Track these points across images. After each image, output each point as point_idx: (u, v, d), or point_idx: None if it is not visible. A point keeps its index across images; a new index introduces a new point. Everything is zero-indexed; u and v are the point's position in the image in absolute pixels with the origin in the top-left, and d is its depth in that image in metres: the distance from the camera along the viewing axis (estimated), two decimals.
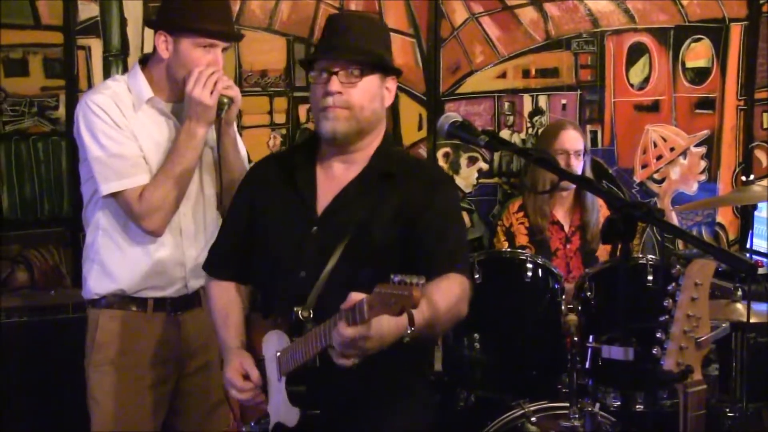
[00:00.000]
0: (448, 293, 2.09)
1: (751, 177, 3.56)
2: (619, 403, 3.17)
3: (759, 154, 4.72)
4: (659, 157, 4.57)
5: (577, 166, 3.84)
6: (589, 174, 3.99)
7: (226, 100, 2.70)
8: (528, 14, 4.27)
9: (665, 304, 2.00)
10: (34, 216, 3.65)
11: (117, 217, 2.75)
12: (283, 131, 3.97)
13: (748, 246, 4.32)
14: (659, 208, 2.00)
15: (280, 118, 3.97)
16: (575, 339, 3.09)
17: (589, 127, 4.37)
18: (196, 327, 2.87)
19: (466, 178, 4.26)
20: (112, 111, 2.68)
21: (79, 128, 2.70)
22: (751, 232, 4.28)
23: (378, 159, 2.32)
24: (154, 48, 2.73)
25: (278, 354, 2.25)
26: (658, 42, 4.47)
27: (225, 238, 2.52)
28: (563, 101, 4.38)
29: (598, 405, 3.03)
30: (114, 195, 2.69)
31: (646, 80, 4.49)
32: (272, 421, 2.31)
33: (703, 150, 4.63)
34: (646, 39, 4.46)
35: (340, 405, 2.22)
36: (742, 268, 1.96)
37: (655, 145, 4.55)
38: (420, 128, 4.15)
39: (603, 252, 3.85)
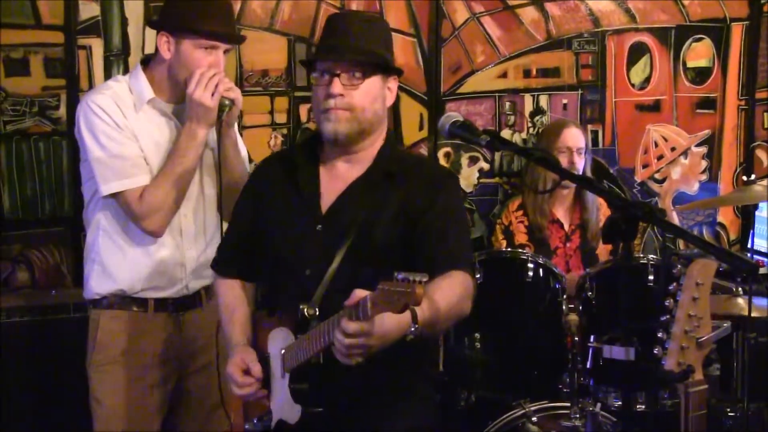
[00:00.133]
0: (449, 291, 2.09)
1: (752, 177, 3.56)
2: (620, 403, 3.16)
3: (760, 153, 4.72)
4: (660, 157, 4.57)
5: (580, 163, 3.85)
6: (589, 173, 3.99)
7: (227, 102, 2.70)
8: (529, 14, 4.27)
9: (666, 303, 2.00)
10: (35, 216, 3.65)
11: (117, 217, 2.75)
12: (284, 131, 3.97)
13: (749, 246, 4.31)
14: (660, 208, 2.00)
15: (281, 117, 3.96)
16: (576, 339, 3.09)
17: (590, 127, 4.37)
18: (196, 327, 2.87)
19: (467, 177, 4.26)
20: (113, 111, 2.68)
21: (80, 128, 2.70)
22: (752, 231, 4.27)
23: (382, 158, 2.33)
24: (156, 49, 2.73)
25: (282, 351, 2.26)
26: (659, 42, 4.47)
27: (231, 237, 2.53)
28: (564, 101, 4.38)
29: (599, 405, 3.02)
30: (114, 195, 2.69)
31: (647, 80, 4.49)
32: (275, 418, 2.31)
33: (704, 150, 4.63)
34: (647, 39, 4.46)
35: (342, 403, 2.22)
36: (743, 268, 1.96)
37: (656, 145, 4.55)
38: (421, 128, 4.15)
39: (603, 251, 3.85)
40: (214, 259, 2.58)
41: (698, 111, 4.59)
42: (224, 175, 2.75)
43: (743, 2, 4.58)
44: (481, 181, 4.29)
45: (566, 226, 3.90)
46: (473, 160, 4.28)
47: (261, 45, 3.87)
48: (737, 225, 4.74)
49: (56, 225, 3.67)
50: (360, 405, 2.25)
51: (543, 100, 4.34)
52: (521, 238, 3.86)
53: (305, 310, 2.17)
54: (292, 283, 2.30)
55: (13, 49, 3.54)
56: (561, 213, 3.92)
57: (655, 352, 2.01)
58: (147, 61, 2.81)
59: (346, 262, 2.20)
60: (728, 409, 3.37)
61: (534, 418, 3.06)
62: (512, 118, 4.32)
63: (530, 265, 3.27)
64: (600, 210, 3.90)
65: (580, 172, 3.86)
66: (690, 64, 4.54)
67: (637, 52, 4.45)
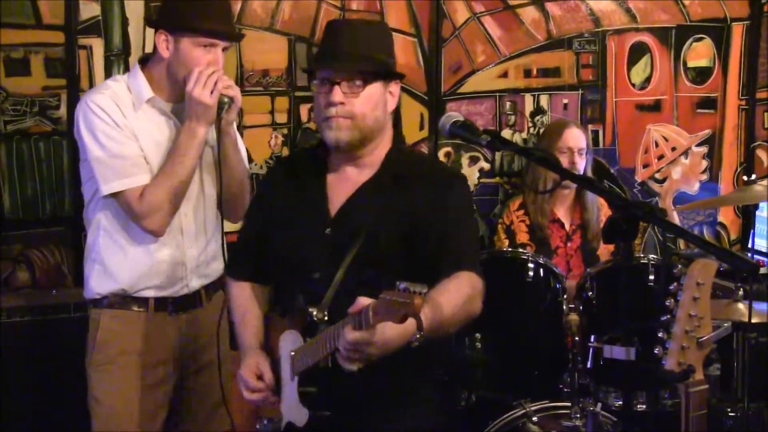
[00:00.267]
0: (456, 293, 2.10)
1: (753, 177, 3.56)
2: (620, 402, 3.16)
3: (760, 153, 4.72)
4: (661, 157, 4.57)
5: (581, 163, 3.86)
6: (590, 173, 3.99)
7: (226, 100, 2.69)
8: (529, 14, 4.27)
9: (667, 303, 2.00)
10: (36, 216, 3.64)
11: (118, 217, 2.75)
12: (285, 131, 3.97)
13: (749, 246, 4.32)
14: (661, 208, 1.99)
15: (281, 117, 3.96)
16: (577, 338, 3.09)
17: (590, 127, 4.37)
18: (197, 327, 2.87)
19: (468, 177, 4.26)
20: (112, 111, 2.68)
21: (80, 128, 2.70)
22: (752, 231, 4.28)
23: (390, 161, 2.33)
24: (155, 47, 2.73)
25: (292, 354, 2.26)
26: (659, 41, 4.47)
27: (243, 240, 2.56)
28: (565, 101, 4.38)
29: (599, 405, 3.02)
30: (114, 195, 2.69)
31: (648, 80, 4.49)
32: (284, 419, 2.32)
33: (704, 150, 4.63)
34: (647, 38, 4.46)
35: (349, 407, 2.22)
36: (743, 268, 1.95)
37: (657, 145, 4.55)
38: (421, 128, 4.15)
39: (604, 251, 3.85)
40: (227, 261, 2.61)
41: (699, 111, 4.59)
42: (224, 174, 2.75)
43: (744, 2, 4.58)
44: (481, 180, 4.29)
45: (567, 226, 3.90)
46: (474, 160, 4.28)
47: (261, 45, 3.87)
48: (738, 225, 4.74)
49: (57, 225, 3.67)
50: (367, 409, 2.25)
51: (543, 100, 4.34)
52: (522, 237, 3.86)
53: (314, 313, 2.18)
54: (302, 285, 2.31)
55: (14, 48, 3.54)
56: (562, 212, 3.92)
57: (655, 351, 2.01)
58: (145, 61, 2.80)
59: (355, 265, 2.20)
60: (728, 409, 3.37)
61: (534, 418, 3.06)
62: (513, 117, 4.32)
63: (531, 265, 3.27)
64: (601, 210, 3.90)
65: (581, 172, 3.86)
66: (690, 63, 4.54)
67: (638, 51, 4.45)
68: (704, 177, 4.65)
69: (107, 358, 2.78)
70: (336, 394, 2.18)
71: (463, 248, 2.24)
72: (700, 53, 4.55)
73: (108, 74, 3.61)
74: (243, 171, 2.86)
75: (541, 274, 3.27)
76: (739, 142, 4.68)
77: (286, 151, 3.96)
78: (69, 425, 3.26)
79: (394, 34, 2.44)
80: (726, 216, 4.73)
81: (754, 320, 3.09)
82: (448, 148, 4.21)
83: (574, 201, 3.94)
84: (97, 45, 3.64)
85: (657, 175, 4.58)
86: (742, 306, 3.06)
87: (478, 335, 3.20)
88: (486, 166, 4.30)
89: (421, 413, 2.32)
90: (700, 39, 4.54)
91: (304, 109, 3.98)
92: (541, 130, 4.24)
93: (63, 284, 3.66)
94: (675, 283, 2.00)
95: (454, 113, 2.25)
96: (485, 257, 3.32)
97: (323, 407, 2.21)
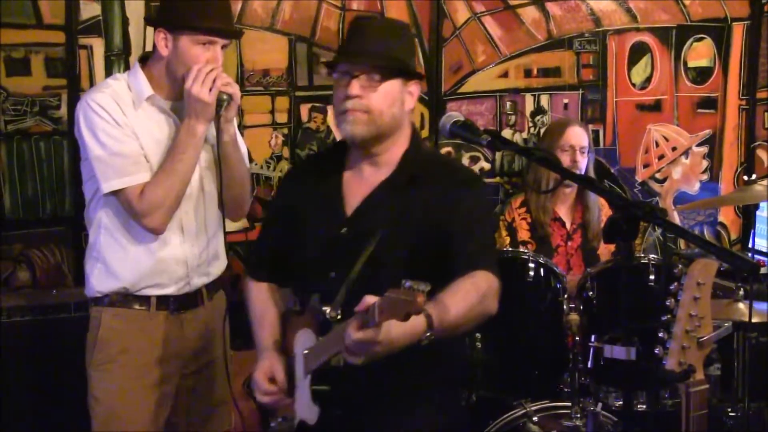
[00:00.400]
0: (469, 292, 2.11)
1: (753, 176, 3.56)
2: (620, 402, 3.16)
3: (761, 153, 4.72)
4: (661, 157, 4.57)
5: (583, 162, 3.86)
6: (591, 173, 3.99)
7: (225, 97, 2.70)
8: (530, 14, 4.27)
9: (667, 303, 2.00)
10: (36, 215, 3.64)
11: (119, 215, 2.75)
12: (285, 131, 3.97)
13: (749, 245, 4.32)
14: (661, 208, 1.99)
15: (281, 117, 3.96)
16: (577, 338, 3.09)
17: (591, 127, 4.36)
18: (198, 325, 2.87)
19: None
20: (113, 109, 2.68)
21: (80, 127, 2.70)
22: (752, 231, 4.28)
23: (407, 161, 2.34)
24: (154, 46, 2.73)
25: (305, 352, 2.27)
26: (660, 41, 4.47)
27: (262, 241, 2.60)
28: (565, 101, 4.38)
29: (599, 404, 3.02)
30: (115, 193, 2.69)
31: (648, 80, 4.49)
32: (297, 418, 2.33)
33: (704, 149, 4.63)
34: (648, 38, 4.46)
35: (361, 406, 2.23)
36: (744, 268, 1.95)
37: (657, 145, 4.55)
38: (422, 128, 4.15)
39: (604, 250, 3.85)
40: (247, 262, 2.63)
41: (699, 111, 4.59)
42: (224, 171, 2.76)
43: (744, 2, 4.58)
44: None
45: (568, 225, 3.90)
46: (474, 160, 4.28)
47: (262, 45, 3.87)
48: (738, 225, 4.74)
49: (57, 225, 3.67)
50: (378, 408, 2.26)
51: (544, 100, 4.34)
52: (524, 235, 3.86)
53: (327, 312, 2.18)
54: (318, 285, 2.32)
55: (14, 48, 3.54)
56: (563, 211, 3.92)
57: (656, 351, 2.01)
58: (145, 59, 2.81)
59: (369, 265, 2.20)
60: (729, 409, 3.37)
61: (535, 418, 3.06)
62: (513, 117, 4.32)
63: (531, 265, 3.27)
64: (602, 210, 3.90)
65: (583, 171, 3.86)
66: (691, 63, 4.54)
67: (638, 51, 4.45)
68: (704, 177, 4.64)
69: (108, 357, 2.78)
70: (347, 392, 2.19)
71: (479, 248, 2.25)
72: (700, 53, 4.55)
73: (108, 74, 3.61)
74: (243, 170, 2.87)
75: (542, 274, 3.27)
76: (739, 142, 4.68)
77: (286, 151, 3.96)
78: (69, 425, 3.26)
79: None
80: (726, 216, 4.73)
81: (754, 320, 3.09)
82: (449, 148, 4.21)
83: (575, 200, 3.93)
84: (98, 45, 3.64)
85: (657, 175, 4.58)
86: (742, 306, 3.06)
87: (478, 335, 3.20)
88: (486, 166, 4.30)
89: (433, 413, 2.33)
90: (701, 39, 4.54)
91: (304, 109, 3.98)
92: (542, 130, 4.25)
93: (63, 284, 3.66)
94: (675, 283, 2.00)
95: (454, 113, 2.26)
96: None
97: (334, 405, 2.21)
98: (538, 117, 4.34)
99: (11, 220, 3.60)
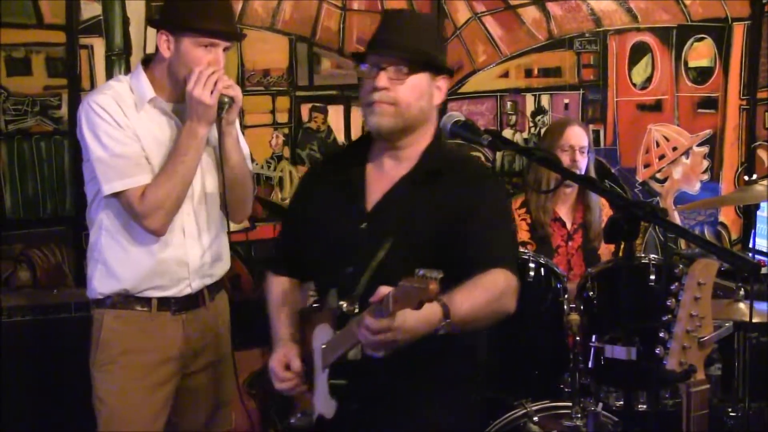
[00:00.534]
0: (489, 288, 2.13)
1: (754, 176, 3.56)
2: (621, 402, 3.16)
3: (761, 153, 4.72)
4: (662, 157, 4.57)
5: (582, 162, 3.85)
6: (592, 173, 3.99)
7: (226, 100, 2.70)
8: (530, 14, 4.27)
9: (668, 303, 2.00)
10: (37, 215, 3.64)
11: (120, 217, 2.75)
12: (286, 130, 3.97)
13: (750, 245, 4.32)
14: (662, 208, 1.99)
15: (282, 117, 3.96)
16: (578, 338, 3.09)
17: (591, 127, 4.36)
18: (200, 326, 2.87)
19: None
20: (114, 111, 2.68)
21: (82, 129, 2.70)
22: (753, 231, 4.28)
23: (428, 157, 2.35)
24: (157, 48, 2.73)
25: (323, 346, 2.28)
26: (660, 41, 4.47)
27: (283, 236, 2.65)
28: (566, 101, 4.38)
29: (600, 405, 3.03)
30: (116, 195, 2.69)
31: (649, 80, 4.49)
32: (316, 412, 2.34)
33: (705, 149, 4.63)
34: (648, 38, 4.46)
35: (378, 400, 2.24)
36: (744, 268, 1.96)
37: (658, 145, 4.55)
38: None
39: (605, 250, 3.84)
40: (270, 258, 2.69)
41: (700, 111, 4.59)
42: (226, 173, 2.76)
43: (745, 2, 4.58)
44: None
45: (568, 225, 3.90)
46: None
47: (262, 45, 3.87)
48: (739, 225, 4.73)
49: (58, 224, 3.67)
50: (396, 403, 2.27)
51: (544, 100, 4.34)
52: (523, 235, 3.86)
53: (344, 306, 2.18)
54: (337, 279, 2.32)
55: (15, 48, 3.54)
56: (564, 211, 3.92)
57: (656, 351, 2.01)
58: (148, 61, 2.81)
59: (388, 261, 2.20)
60: (730, 409, 3.37)
61: (535, 418, 3.06)
62: (514, 117, 4.32)
63: (531, 265, 3.26)
64: (602, 210, 3.90)
65: (583, 171, 3.86)
66: (691, 63, 4.54)
67: (639, 51, 4.45)
68: (705, 177, 4.64)
69: (110, 358, 2.78)
70: (364, 387, 2.20)
71: (497, 246, 2.26)
72: (701, 53, 4.55)
73: (109, 74, 3.61)
74: (245, 172, 2.86)
75: (542, 274, 3.27)
76: (740, 142, 4.67)
77: (286, 151, 3.96)
78: (69, 425, 3.26)
79: None
80: (727, 216, 4.73)
81: (755, 320, 3.09)
82: None
83: (576, 200, 3.93)
84: (98, 45, 3.64)
85: (658, 175, 4.58)
86: (743, 306, 3.06)
87: None
88: (487, 165, 4.30)
89: (449, 411, 2.33)
90: (701, 39, 4.53)
91: (304, 109, 3.98)
92: (542, 130, 4.24)
93: (64, 284, 3.66)
94: (676, 283, 2.00)
95: (455, 113, 2.26)
96: None
97: (351, 400, 2.22)
98: (538, 117, 4.34)
99: (12, 220, 3.60)
